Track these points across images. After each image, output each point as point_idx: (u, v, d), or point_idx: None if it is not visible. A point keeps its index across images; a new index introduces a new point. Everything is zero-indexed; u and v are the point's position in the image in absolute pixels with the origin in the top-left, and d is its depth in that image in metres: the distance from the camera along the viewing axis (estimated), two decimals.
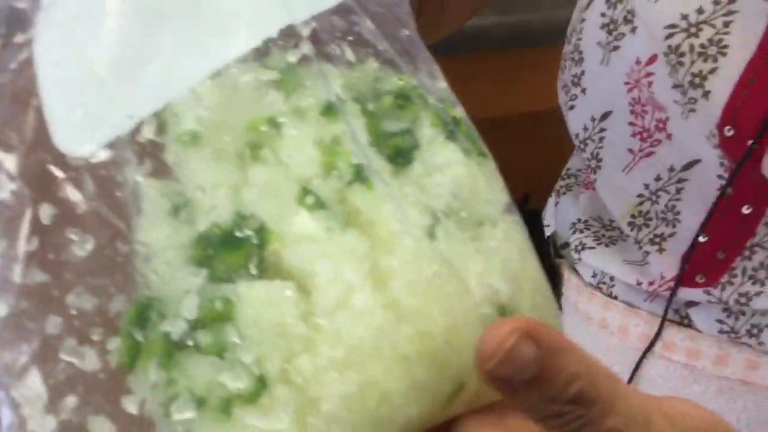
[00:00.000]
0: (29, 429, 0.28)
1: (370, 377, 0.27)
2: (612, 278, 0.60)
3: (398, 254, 0.29)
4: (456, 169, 0.32)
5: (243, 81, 0.30)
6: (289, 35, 0.30)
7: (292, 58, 0.31)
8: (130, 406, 0.28)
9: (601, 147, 0.56)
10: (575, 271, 0.63)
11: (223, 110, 0.30)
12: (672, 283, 0.54)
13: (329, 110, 0.30)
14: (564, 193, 0.65)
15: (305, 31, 0.31)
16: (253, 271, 0.28)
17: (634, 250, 0.57)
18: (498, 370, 0.26)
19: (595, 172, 0.57)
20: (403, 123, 0.32)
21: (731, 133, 0.48)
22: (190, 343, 0.27)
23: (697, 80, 0.47)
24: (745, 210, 0.50)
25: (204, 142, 0.29)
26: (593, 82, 0.54)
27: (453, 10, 0.58)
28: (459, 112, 0.34)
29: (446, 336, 0.29)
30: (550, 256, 0.66)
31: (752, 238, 0.51)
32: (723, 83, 0.47)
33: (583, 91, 0.55)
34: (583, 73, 0.55)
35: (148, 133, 0.29)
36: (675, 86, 0.49)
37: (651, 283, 0.56)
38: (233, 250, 0.28)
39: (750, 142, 0.47)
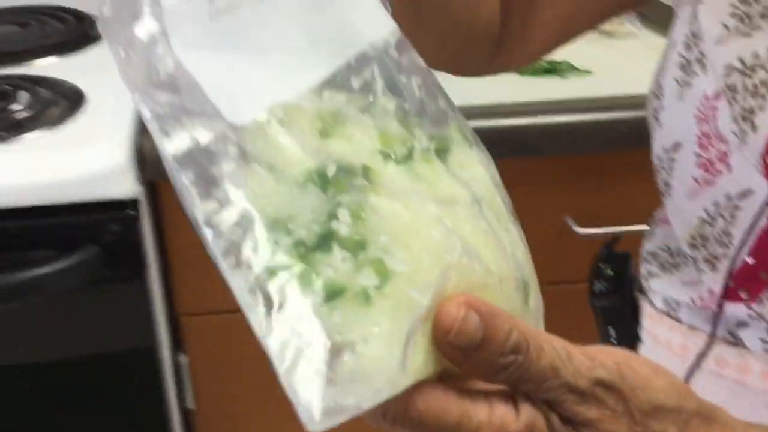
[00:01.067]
0: None
1: (451, 291, 0.36)
2: (678, 303, 0.67)
3: (459, 209, 0.38)
4: (479, 170, 0.42)
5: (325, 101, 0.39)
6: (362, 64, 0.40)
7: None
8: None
9: (670, 175, 0.65)
10: (650, 300, 0.71)
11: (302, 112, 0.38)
12: (719, 299, 0.62)
13: (401, 114, 0.40)
14: (648, 237, 0.74)
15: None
16: (368, 191, 0.36)
17: (692, 271, 0.65)
18: (456, 340, 0.35)
19: (665, 198, 0.66)
20: (442, 128, 0.41)
21: None
22: (333, 243, 0.35)
23: (747, 114, 0.56)
24: None
25: (291, 124, 0.38)
26: (669, 115, 0.64)
27: (536, 40, 0.70)
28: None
29: (498, 279, 0.38)
30: (632, 291, 0.74)
31: None
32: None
33: (660, 123, 0.65)
34: (661, 107, 0.64)
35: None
36: (733, 120, 0.58)
37: (701, 299, 0.63)
38: (349, 176, 0.36)
39: None
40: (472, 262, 0.37)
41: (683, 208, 0.65)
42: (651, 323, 0.70)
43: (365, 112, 0.39)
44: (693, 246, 0.64)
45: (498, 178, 0.43)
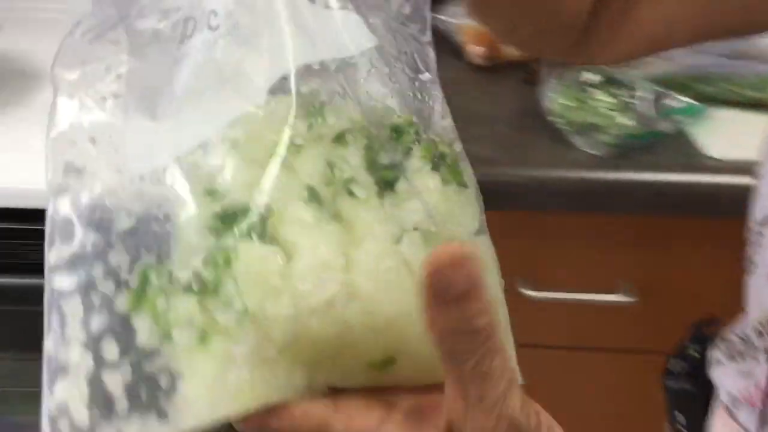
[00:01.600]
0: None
1: (314, 330, 0.36)
2: (736, 398, 0.59)
3: (365, 249, 0.38)
4: (432, 195, 0.40)
5: (280, 108, 0.39)
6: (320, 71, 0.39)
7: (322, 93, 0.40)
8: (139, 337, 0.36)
9: (756, 251, 0.57)
10: (718, 392, 0.62)
11: (262, 126, 0.39)
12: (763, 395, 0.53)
13: (341, 138, 0.39)
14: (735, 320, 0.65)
15: (333, 66, 0.40)
16: (253, 237, 0.37)
17: (752, 361, 0.56)
18: (439, 279, 0.30)
19: (748, 276, 0.58)
20: (396, 154, 0.40)
21: None
22: (191, 285, 0.36)
23: None
24: None
25: (242, 148, 0.39)
26: (765, 185, 0.57)
27: (628, 39, 0.62)
28: (454, 147, 0.41)
29: (389, 319, 0.37)
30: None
31: None
32: None
33: (758, 193, 0.57)
34: (761, 176, 0.57)
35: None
36: None
37: (748, 391, 0.55)
38: (241, 219, 0.37)
39: None
40: (347, 308, 0.37)
41: (762, 290, 0.57)
42: (716, 417, 0.62)
43: (319, 137, 0.39)
44: (759, 333, 0.56)
45: (456, 198, 0.40)
